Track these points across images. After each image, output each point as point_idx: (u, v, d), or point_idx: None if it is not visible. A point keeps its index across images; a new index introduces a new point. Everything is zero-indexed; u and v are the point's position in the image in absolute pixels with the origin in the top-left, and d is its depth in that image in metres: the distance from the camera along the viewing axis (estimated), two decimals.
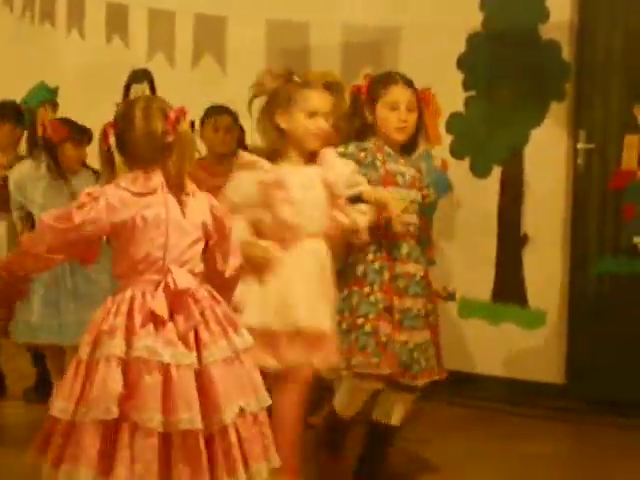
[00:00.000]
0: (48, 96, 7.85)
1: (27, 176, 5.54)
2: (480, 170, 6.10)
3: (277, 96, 4.12)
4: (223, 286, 3.47)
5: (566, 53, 6.00)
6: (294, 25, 6.76)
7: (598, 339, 5.94)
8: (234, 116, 6.16)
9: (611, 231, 5.98)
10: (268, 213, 3.94)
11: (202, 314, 3.21)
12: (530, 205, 6.12)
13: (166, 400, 3.09)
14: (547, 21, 6.04)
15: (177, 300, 3.20)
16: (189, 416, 3.10)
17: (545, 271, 6.11)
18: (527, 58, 6.08)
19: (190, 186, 3.33)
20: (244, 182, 3.99)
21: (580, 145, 6.00)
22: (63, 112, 7.86)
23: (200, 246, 3.34)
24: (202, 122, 6.12)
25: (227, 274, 3.43)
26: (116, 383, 3.08)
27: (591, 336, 5.98)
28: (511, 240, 6.17)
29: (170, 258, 3.21)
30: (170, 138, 3.21)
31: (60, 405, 3.18)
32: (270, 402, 3.38)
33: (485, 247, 6.03)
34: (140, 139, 3.26)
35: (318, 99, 4.12)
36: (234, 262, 3.44)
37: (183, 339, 3.15)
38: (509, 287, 5.99)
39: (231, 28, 6.93)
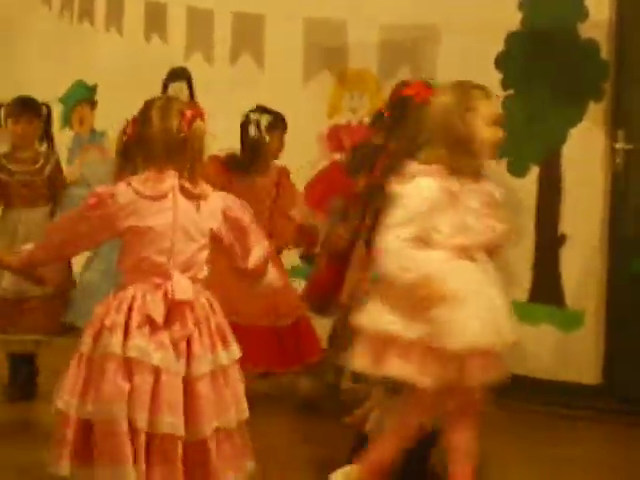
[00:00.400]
0: (86, 94, 8.13)
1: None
2: (517, 170, 6.08)
3: (457, 104, 4.02)
4: (247, 277, 3.60)
5: (605, 52, 5.99)
6: (332, 23, 6.78)
7: (637, 340, 5.94)
8: (280, 116, 6.17)
9: None
10: (444, 220, 3.90)
11: (197, 324, 3.28)
12: (568, 205, 6.09)
13: (153, 401, 3.18)
14: (586, 20, 6.03)
15: (174, 308, 3.26)
16: (172, 420, 3.18)
17: (583, 271, 6.10)
18: (565, 57, 6.08)
19: (204, 188, 3.39)
20: (424, 189, 3.92)
21: (619, 145, 6.00)
22: (101, 110, 8.09)
23: (205, 253, 3.39)
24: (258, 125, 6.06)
25: (250, 267, 3.51)
26: (124, 384, 3.19)
27: (629, 337, 5.97)
28: (548, 240, 6.15)
29: (174, 263, 3.27)
30: (184, 136, 3.31)
31: (64, 398, 3.29)
32: (247, 415, 3.47)
33: (522, 247, 5.95)
34: (156, 136, 3.34)
35: (497, 108, 4.08)
36: (257, 254, 3.51)
37: (175, 346, 3.22)
38: (546, 287, 5.97)
39: (269, 26, 6.93)
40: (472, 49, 6.29)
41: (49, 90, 7.88)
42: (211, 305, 3.38)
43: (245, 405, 3.43)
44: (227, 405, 3.33)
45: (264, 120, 5.81)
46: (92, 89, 8.12)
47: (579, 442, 5.34)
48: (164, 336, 3.23)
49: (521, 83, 6.21)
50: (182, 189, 3.30)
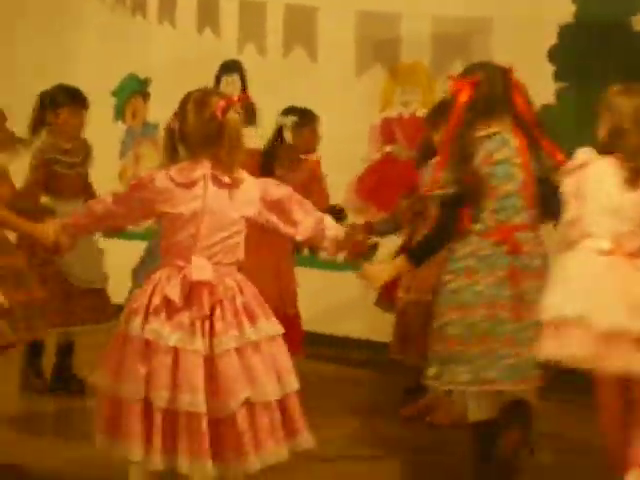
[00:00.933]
0: (139, 87, 8.21)
1: None
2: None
3: None
4: (307, 243, 3.92)
5: None
6: (384, 16, 6.75)
7: None
8: (308, 112, 6.11)
9: None
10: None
11: (219, 304, 3.38)
12: None
13: (173, 380, 3.31)
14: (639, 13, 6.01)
15: (193, 289, 3.38)
16: (191, 398, 3.28)
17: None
18: (619, 50, 6.08)
19: (238, 176, 3.50)
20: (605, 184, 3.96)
21: None
22: (154, 103, 8.13)
23: (236, 239, 3.51)
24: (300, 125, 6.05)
25: (300, 238, 3.67)
26: (142, 365, 3.33)
27: None
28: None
29: (199, 247, 3.40)
30: (218, 126, 3.43)
31: (101, 375, 3.48)
32: (296, 387, 3.54)
33: None
34: (192, 128, 3.48)
35: None
36: (307, 225, 3.64)
37: (195, 326, 3.34)
38: None
39: (321, 19, 6.89)
40: (525, 42, 6.25)
41: (102, 83, 8.16)
42: (240, 286, 3.47)
43: (292, 377, 3.51)
44: (261, 378, 3.40)
45: (288, 121, 5.78)
46: (145, 82, 8.20)
47: None
48: (184, 317, 3.35)
49: (575, 76, 6.20)
50: (214, 178, 3.43)
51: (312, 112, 5.87)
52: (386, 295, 5.74)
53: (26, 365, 5.64)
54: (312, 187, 5.72)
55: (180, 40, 7.60)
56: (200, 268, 3.37)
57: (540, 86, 5.77)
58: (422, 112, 6.61)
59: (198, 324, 3.35)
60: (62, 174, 5.54)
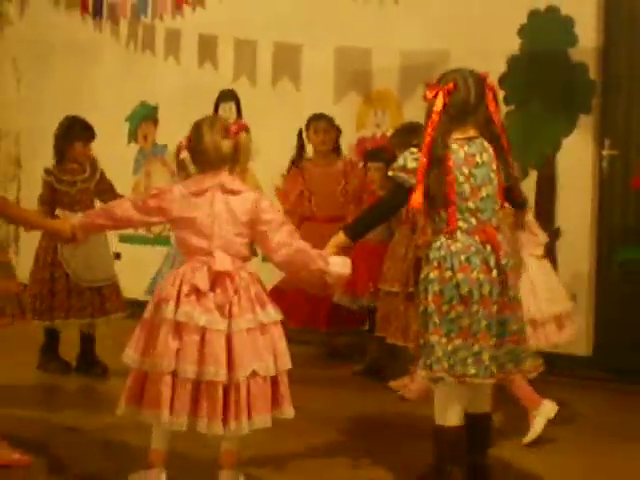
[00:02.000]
0: (149, 113, 8.17)
1: None
2: (518, 173, 5.98)
3: None
4: (279, 267, 3.81)
5: (592, 72, 6.00)
6: (358, 51, 6.77)
7: (622, 318, 5.93)
8: (330, 120, 6.30)
9: (633, 225, 5.97)
10: None
11: (236, 291, 3.55)
12: (562, 203, 6.09)
13: (200, 355, 3.49)
14: (576, 45, 6.04)
15: (217, 278, 3.55)
16: (214, 369, 3.46)
17: (575, 259, 6.03)
18: (559, 77, 6.10)
19: (239, 186, 3.67)
20: None
21: (605, 152, 6.01)
22: (162, 127, 8.12)
23: (243, 239, 3.66)
24: (306, 127, 6.33)
25: (275, 261, 3.73)
26: (173, 343, 3.49)
27: (616, 315, 5.96)
28: (546, 233, 5.74)
29: (215, 245, 3.56)
30: (231, 147, 3.63)
31: (129, 354, 3.61)
32: (289, 366, 3.69)
33: None
34: (208, 146, 3.63)
35: None
36: (283, 252, 3.66)
37: (219, 309, 3.51)
38: None
39: (305, 54, 6.94)
40: (479, 70, 6.24)
41: (117, 110, 8.21)
42: (253, 278, 3.64)
43: (287, 358, 3.67)
44: (264, 355, 3.57)
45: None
46: (154, 109, 8.15)
47: (574, 406, 5.33)
48: (209, 301, 3.51)
49: (521, 99, 6.17)
50: (221, 186, 3.60)
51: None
52: (349, 291, 5.88)
53: (44, 349, 5.76)
54: (351, 179, 6.25)
55: (184, 73, 7.62)
56: (222, 260, 3.52)
57: None
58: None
59: (224, 308, 3.51)
60: (64, 191, 5.65)
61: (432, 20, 6.47)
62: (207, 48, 7.38)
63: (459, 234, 3.74)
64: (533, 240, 4.56)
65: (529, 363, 3.96)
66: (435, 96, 3.82)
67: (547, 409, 4.58)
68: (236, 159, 3.68)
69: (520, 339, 3.88)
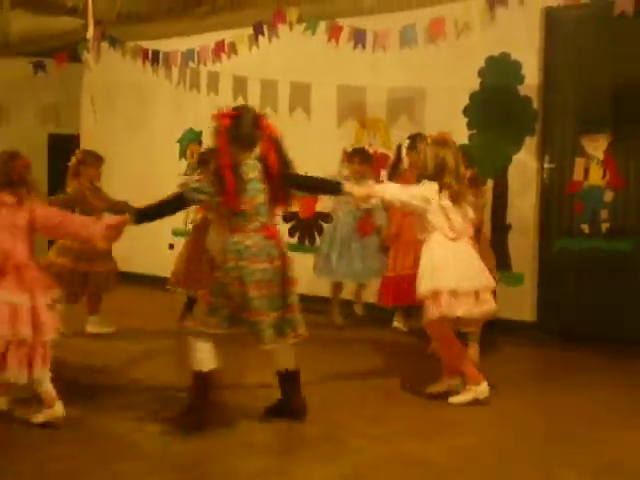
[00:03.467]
0: (195, 137, 8.23)
1: None
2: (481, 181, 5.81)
3: None
4: None
5: (535, 104, 6.17)
6: (355, 88, 6.86)
7: (558, 292, 6.08)
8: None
9: (567, 221, 6.08)
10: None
11: None
12: (512, 204, 6.24)
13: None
14: (523, 83, 6.22)
15: None
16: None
17: (523, 247, 6.17)
18: (509, 108, 6.26)
19: None
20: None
21: (545, 165, 6.15)
22: (204, 147, 7.87)
23: None
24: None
25: None
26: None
27: (554, 290, 6.11)
28: (500, 227, 6.24)
29: None
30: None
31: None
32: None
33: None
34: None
35: None
36: None
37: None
38: (499, 258, 5.80)
39: (314, 90, 6.95)
40: (448, 103, 6.45)
41: (171, 134, 8.29)
42: None
43: None
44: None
45: (405, 143, 6.08)
46: (199, 133, 8.15)
47: (521, 359, 5.52)
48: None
49: (481, 125, 6.34)
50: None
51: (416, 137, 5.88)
52: None
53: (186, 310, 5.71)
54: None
55: (221, 105, 6.80)
56: None
57: (458, 132, 5.98)
58: (381, 150, 6.79)
59: None
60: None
61: (411, 65, 6.58)
62: (239, 86, 7.29)
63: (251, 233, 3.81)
64: (449, 225, 4.35)
65: (301, 329, 3.94)
66: (221, 122, 3.91)
67: (482, 390, 4.36)
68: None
69: (295, 309, 3.91)
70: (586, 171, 5.99)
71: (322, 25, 6.79)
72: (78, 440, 3.78)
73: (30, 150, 4.80)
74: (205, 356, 3.88)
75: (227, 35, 7.33)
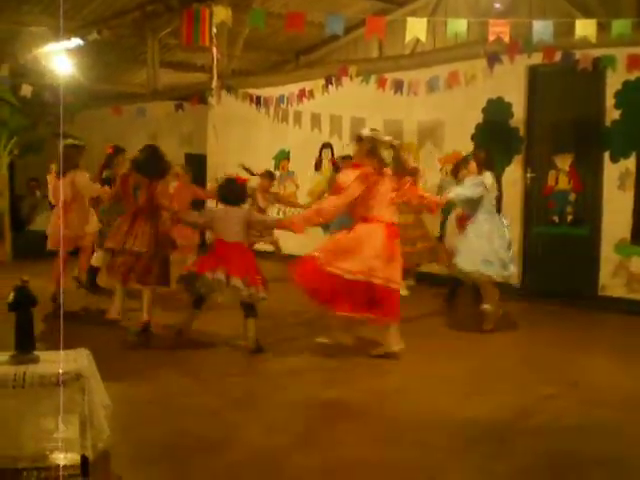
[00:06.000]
0: (285, 155, 8.46)
1: None
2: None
3: None
4: None
5: (521, 133, 6.30)
6: (395, 121, 6.95)
7: (537, 263, 6.21)
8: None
9: (543, 214, 6.20)
10: None
11: None
12: (505, 202, 6.22)
13: None
14: (513, 118, 6.34)
15: None
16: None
17: (512, 231, 5.67)
18: (503, 136, 6.37)
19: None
20: None
21: (528, 175, 6.32)
22: (292, 162, 8.31)
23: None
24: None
25: None
26: None
27: (534, 262, 6.25)
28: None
29: None
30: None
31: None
32: None
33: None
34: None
35: None
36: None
37: None
38: None
39: (368, 123, 6.71)
40: (460, 132, 6.62)
41: (268, 153, 8.57)
42: None
43: None
44: None
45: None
46: (288, 152, 8.39)
47: (510, 309, 5.40)
48: None
49: (483, 147, 6.02)
50: None
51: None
52: None
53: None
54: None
55: (303, 133, 7.60)
56: None
57: (467, 151, 5.84)
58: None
59: None
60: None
61: (434, 105, 6.71)
62: (315, 120, 7.39)
63: None
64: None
65: None
66: None
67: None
68: None
69: None
70: (556, 179, 6.07)
71: (373, 78, 6.87)
72: None
73: (173, 164, 5.08)
74: None
75: (307, 85, 7.35)
